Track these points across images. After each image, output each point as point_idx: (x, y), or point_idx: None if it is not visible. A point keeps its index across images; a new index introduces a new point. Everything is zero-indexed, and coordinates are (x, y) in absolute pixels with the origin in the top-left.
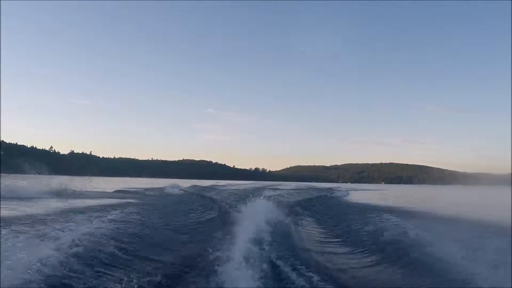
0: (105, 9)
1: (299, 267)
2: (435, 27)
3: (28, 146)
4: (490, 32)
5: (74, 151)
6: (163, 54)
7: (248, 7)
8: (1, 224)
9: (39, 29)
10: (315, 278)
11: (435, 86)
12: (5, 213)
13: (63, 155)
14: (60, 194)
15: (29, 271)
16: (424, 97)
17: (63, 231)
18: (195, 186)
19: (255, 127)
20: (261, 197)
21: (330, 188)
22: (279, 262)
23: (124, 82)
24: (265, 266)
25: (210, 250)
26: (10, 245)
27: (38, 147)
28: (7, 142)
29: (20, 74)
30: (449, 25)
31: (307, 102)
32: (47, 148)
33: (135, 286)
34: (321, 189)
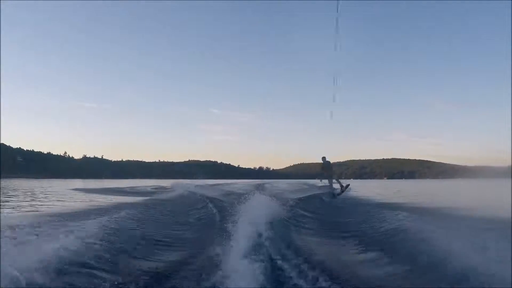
0: (111, 12)
1: (299, 264)
2: (439, 23)
3: (45, 152)
4: (492, 29)
5: (87, 156)
6: (167, 56)
7: (254, 8)
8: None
9: (47, 36)
10: (314, 275)
11: (436, 81)
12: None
13: (77, 159)
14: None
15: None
16: (425, 93)
17: (64, 231)
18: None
19: (259, 126)
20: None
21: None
22: (278, 259)
23: (129, 84)
24: (265, 263)
25: (208, 247)
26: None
27: (53, 153)
28: (25, 149)
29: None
30: (453, 21)
31: (310, 99)
32: (62, 154)
33: (132, 285)
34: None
